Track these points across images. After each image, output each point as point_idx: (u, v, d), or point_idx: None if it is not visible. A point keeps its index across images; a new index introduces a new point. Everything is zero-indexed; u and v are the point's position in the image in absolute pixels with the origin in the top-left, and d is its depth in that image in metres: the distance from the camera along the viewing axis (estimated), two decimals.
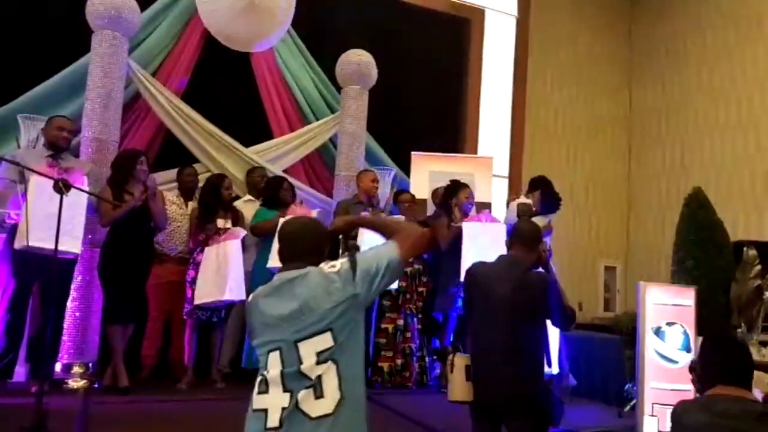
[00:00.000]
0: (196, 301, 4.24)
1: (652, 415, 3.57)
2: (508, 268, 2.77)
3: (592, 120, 7.52)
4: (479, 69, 6.99)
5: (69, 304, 4.19)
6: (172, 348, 4.56)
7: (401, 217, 4.64)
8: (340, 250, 2.08)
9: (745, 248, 3.82)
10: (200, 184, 4.78)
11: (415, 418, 3.90)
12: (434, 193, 5.34)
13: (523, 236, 2.84)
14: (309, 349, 1.72)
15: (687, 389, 2.78)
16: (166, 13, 5.20)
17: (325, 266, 1.82)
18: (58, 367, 4.13)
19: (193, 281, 4.31)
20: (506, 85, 7.15)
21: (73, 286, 4.21)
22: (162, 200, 4.32)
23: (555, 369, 4.40)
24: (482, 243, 4.53)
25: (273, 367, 1.75)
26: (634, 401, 3.85)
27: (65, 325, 4.18)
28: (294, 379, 1.71)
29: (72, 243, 3.62)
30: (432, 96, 6.59)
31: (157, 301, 4.38)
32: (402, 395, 4.52)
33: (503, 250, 3.84)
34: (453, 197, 4.89)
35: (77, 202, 3.56)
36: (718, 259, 3.87)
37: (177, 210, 4.57)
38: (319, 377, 1.69)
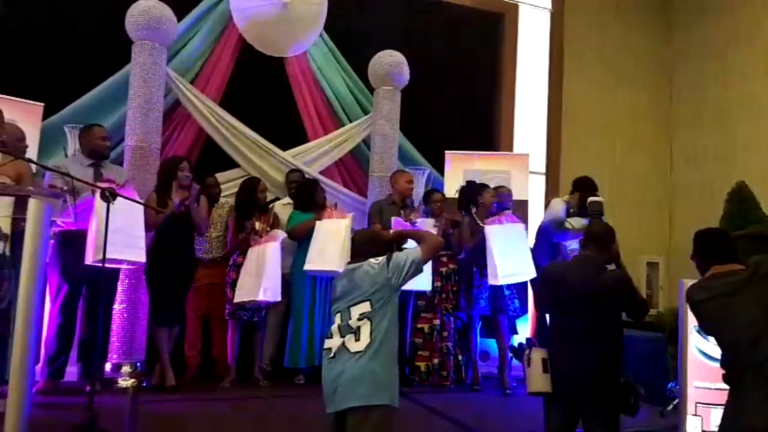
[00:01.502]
0: (235, 300, 4.36)
1: (695, 415, 3.49)
2: (584, 267, 2.97)
3: (632, 114, 7.35)
4: (513, 65, 6.91)
5: (117, 306, 4.36)
6: (213, 348, 4.68)
7: (430, 221, 4.70)
8: (390, 252, 2.73)
9: None
10: (233, 190, 4.89)
11: (451, 416, 3.92)
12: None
13: (596, 237, 3.06)
14: (355, 312, 2.58)
15: None
16: (203, 23, 5.33)
17: (373, 260, 2.67)
18: (108, 367, 4.30)
19: (234, 283, 4.42)
20: (542, 81, 7.04)
21: (120, 290, 4.37)
22: (206, 206, 4.44)
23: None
24: (505, 244, 4.55)
25: (335, 322, 2.63)
26: (676, 400, 3.78)
27: (114, 327, 4.35)
28: (345, 329, 2.57)
29: (138, 253, 3.77)
30: (466, 94, 6.55)
31: (195, 302, 4.52)
32: (439, 394, 4.54)
33: (526, 249, 4.32)
34: (474, 198, 4.88)
35: (134, 212, 3.68)
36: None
37: None
38: (359, 328, 2.54)
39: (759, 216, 3.60)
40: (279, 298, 4.41)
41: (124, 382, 4.14)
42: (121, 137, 4.76)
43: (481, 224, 4.77)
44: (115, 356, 4.33)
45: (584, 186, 4.88)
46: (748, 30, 6.62)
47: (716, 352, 3.48)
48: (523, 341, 3.09)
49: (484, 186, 4.99)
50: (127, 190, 3.60)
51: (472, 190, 4.96)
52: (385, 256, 2.66)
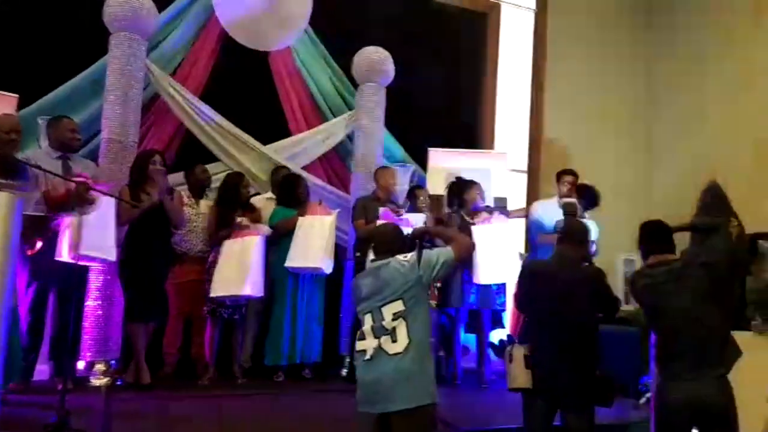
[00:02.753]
0: (213, 294, 4.27)
1: None
2: (561, 262, 3.08)
3: (612, 113, 7.39)
4: (496, 64, 6.91)
5: (90, 303, 4.27)
6: (192, 345, 4.62)
7: (420, 216, 4.68)
8: (417, 249, 2.72)
9: (759, 241, 3.77)
10: (215, 184, 4.84)
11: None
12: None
13: (573, 234, 3.20)
14: (388, 311, 2.56)
15: None
16: (184, 15, 5.24)
17: (401, 257, 2.67)
18: (81, 365, 4.23)
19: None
20: (524, 80, 7.06)
21: (95, 285, 4.29)
22: (180, 201, 4.37)
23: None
24: (493, 244, 4.60)
25: (367, 323, 2.61)
26: (649, 394, 3.84)
27: (87, 324, 4.26)
28: (379, 330, 2.56)
29: (109, 251, 3.69)
30: (449, 92, 6.55)
31: (177, 299, 4.44)
32: None
33: (511, 250, 4.38)
34: (460, 195, 4.90)
35: (106, 208, 3.60)
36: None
37: (190, 210, 4.58)
38: (394, 329, 2.53)
39: (731, 213, 3.64)
40: (262, 293, 4.37)
41: (98, 381, 4.11)
42: (97, 130, 4.67)
43: (469, 220, 4.79)
44: (88, 354, 4.25)
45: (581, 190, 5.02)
46: (728, 31, 6.70)
47: None
48: (504, 338, 3.19)
49: (470, 183, 5.01)
50: (101, 185, 3.54)
51: (459, 187, 4.95)
52: (415, 253, 2.65)
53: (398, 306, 2.55)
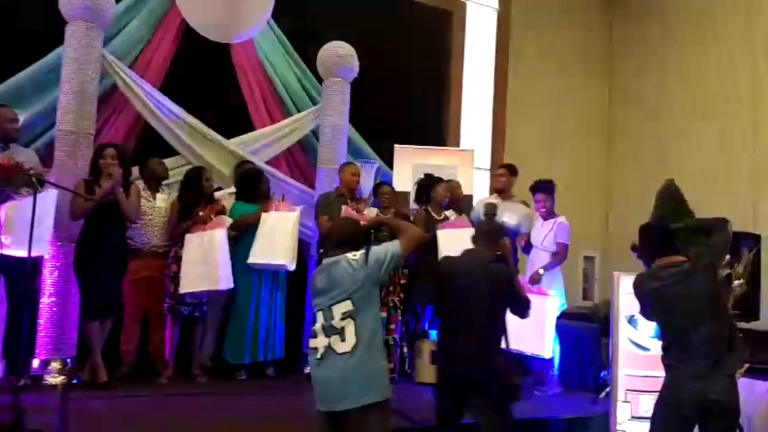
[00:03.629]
0: (182, 290, 4.19)
1: (625, 401, 3.65)
2: (473, 261, 3.16)
3: (573, 111, 7.57)
4: (461, 61, 7.00)
5: (45, 299, 4.15)
6: (150, 343, 4.50)
7: (374, 210, 4.70)
8: (372, 240, 2.82)
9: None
10: (175, 178, 4.75)
11: (394, 407, 3.93)
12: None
13: (485, 234, 3.34)
14: (337, 311, 2.57)
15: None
16: (143, 4, 5.10)
17: (351, 255, 2.65)
18: (35, 363, 4.09)
19: (175, 276, 4.28)
20: (488, 78, 7.17)
21: (49, 282, 4.16)
22: (137, 195, 4.27)
23: (548, 354, 4.49)
24: (456, 248, 4.60)
25: (319, 321, 2.63)
26: (608, 388, 3.93)
27: (42, 321, 4.13)
28: (329, 329, 2.59)
29: (42, 247, 3.51)
30: (415, 88, 6.58)
31: (133, 296, 4.34)
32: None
33: None
34: (429, 191, 4.93)
35: (45, 202, 3.44)
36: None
37: (146, 203, 4.45)
38: (343, 328, 2.55)
39: (686, 213, 3.77)
40: (232, 285, 4.31)
41: (53, 379, 4.01)
42: (52, 122, 4.53)
43: (435, 217, 4.81)
44: (43, 352, 4.12)
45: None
46: (689, 29, 6.92)
47: (646, 341, 3.68)
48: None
49: (438, 180, 5.03)
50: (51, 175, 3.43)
51: (428, 184, 4.99)
52: (363, 251, 2.64)
53: (347, 306, 2.57)
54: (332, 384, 2.55)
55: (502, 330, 3.11)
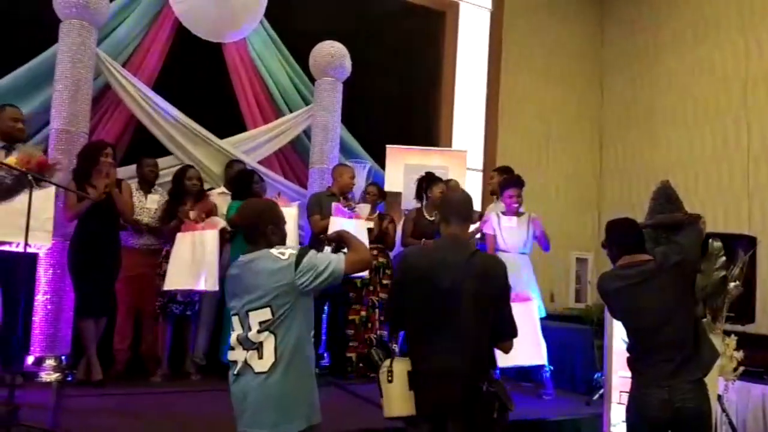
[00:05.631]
0: (166, 287, 4.17)
1: (619, 403, 3.66)
2: (453, 251, 2.38)
3: (565, 113, 7.62)
4: (453, 62, 7.03)
5: (40, 297, 4.15)
6: (143, 341, 4.51)
7: (366, 206, 4.76)
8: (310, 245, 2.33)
9: (710, 240, 3.91)
10: (166, 179, 4.73)
11: (379, 402, 3.92)
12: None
13: (457, 206, 2.51)
14: (254, 320, 2.15)
15: None
16: (137, 3, 5.11)
17: (276, 251, 2.19)
18: (30, 360, 4.09)
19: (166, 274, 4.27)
20: (480, 79, 7.20)
21: (44, 280, 4.16)
22: (129, 193, 4.28)
23: (544, 359, 4.40)
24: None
25: (236, 330, 2.22)
26: (601, 390, 3.95)
27: (37, 319, 4.13)
28: (246, 342, 2.18)
29: (42, 237, 3.51)
30: (407, 89, 6.61)
31: (125, 294, 4.34)
32: (370, 384, 4.55)
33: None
34: (427, 190, 4.95)
35: (45, 194, 3.45)
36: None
37: (137, 203, 4.47)
38: (261, 343, 2.14)
39: (682, 212, 3.80)
40: (217, 288, 4.29)
41: (48, 376, 4.00)
42: (46, 120, 4.52)
43: (428, 218, 4.84)
44: (38, 349, 4.12)
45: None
46: (681, 33, 6.98)
47: None
48: (374, 349, 2.45)
49: (436, 180, 4.99)
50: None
51: (425, 183, 4.98)
52: (296, 251, 2.19)
53: (265, 314, 2.14)
54: (248, 405, 2.16)
55: (490, 342, 2.41)
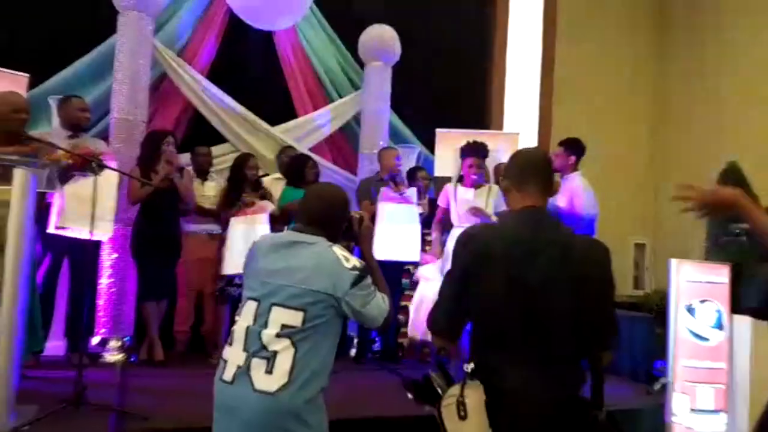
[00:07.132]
0: (224, 272, 4.29)
1: (683, 393, 3.54)
2: (538, 230, 1.72)
3: (621, 94, 7.33)
4: (504, 43, 6.84)
5: (104, 280, 4.32)
6: (204, 323, 4.63)
7: (414, 190, 4.69)
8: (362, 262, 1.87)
9: None
10: (221, 166, 4.84)
11: None
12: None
13: (537, 168, 1.80)
14: (278, 318, 1.72)
15: (719, 367, 2.75)
16: None
17: (339, 250, 1.82)
18: (94, 341, 4.26)
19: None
20: (534, 61, 6.99)
21: (108, 264, 4.33)
22: (190, 179, 4.39)
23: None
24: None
25: (244, 319, 1.77)
26: (663, 379, 3.82)
27: (101, 301, 4.31)
28: (254, 342, 1.72)
29: (104, 226, 3.61)
30: (457, 72, 6.47)
31: (187, 277, 4.46)
32: (423, 368, 4.53)
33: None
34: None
35: (108, 184, 3.57)
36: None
37: (196, 191, 4.52)
38: (275, 353, 1.69)
39: (751, 197, 3.62)
40: None
41: (112, 357, 4.16)
42: (106, 110, 4.66)
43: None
44: (102, 331, 4.29)
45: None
46: (742, 9, 6.60)
47: (705, 331, 3.55)
48: (431, 373, 1.73)
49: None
50: (110, 161, 3.53)
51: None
52: (361, 268, 1.80)
53: (295, 318, 1.71)
54: (233, 425, 1.73)
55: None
